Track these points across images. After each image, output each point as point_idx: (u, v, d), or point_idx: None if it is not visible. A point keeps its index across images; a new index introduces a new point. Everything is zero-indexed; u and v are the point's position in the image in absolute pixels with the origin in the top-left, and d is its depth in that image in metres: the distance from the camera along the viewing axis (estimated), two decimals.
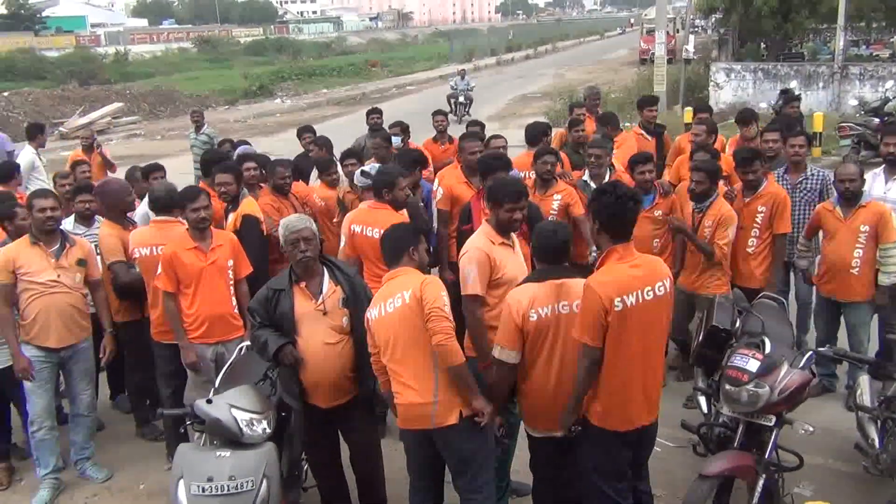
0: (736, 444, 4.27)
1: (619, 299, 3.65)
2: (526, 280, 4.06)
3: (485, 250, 4.34)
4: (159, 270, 5.00)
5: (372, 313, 3.98)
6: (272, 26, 74.01)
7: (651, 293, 3.74)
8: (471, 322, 4.33)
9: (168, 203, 5.37)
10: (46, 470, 5.21)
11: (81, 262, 5.20)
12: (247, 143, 8.68)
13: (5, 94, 26.17)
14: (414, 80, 36.36)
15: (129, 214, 5.95)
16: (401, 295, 3.87)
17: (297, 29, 75.15)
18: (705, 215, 5.64)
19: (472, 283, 4.31)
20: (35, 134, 9.63)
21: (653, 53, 21.88)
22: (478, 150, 6.23)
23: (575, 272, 4.07)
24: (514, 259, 4.46)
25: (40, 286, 5.02)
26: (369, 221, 5.32)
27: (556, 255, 4.00)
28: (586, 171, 6.55)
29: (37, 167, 9.21)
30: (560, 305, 3.87)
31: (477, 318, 4.30)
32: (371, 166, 5.99)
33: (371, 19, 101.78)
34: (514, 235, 4.55)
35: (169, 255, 4.98)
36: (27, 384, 5.08)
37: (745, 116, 7.65)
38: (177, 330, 5.07)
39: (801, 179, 6.31)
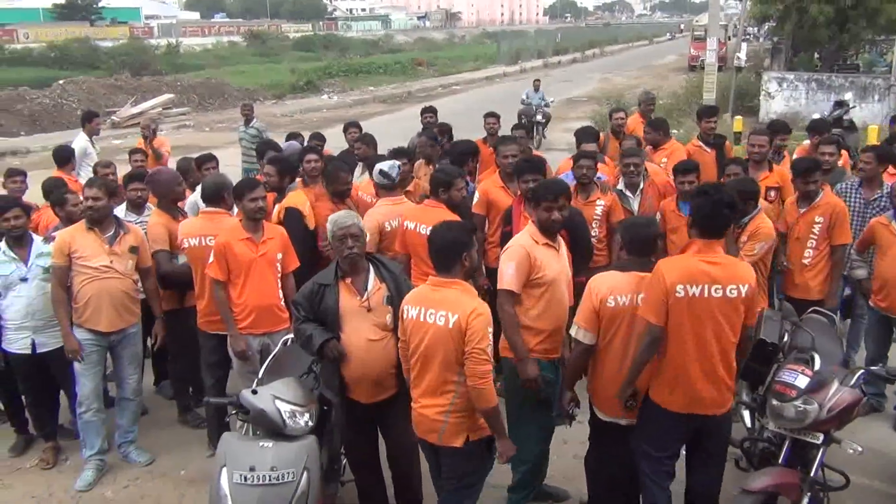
0: (780, 460, 4.21)
1: (681, 286, 3.81)
2: (611, 268, 4.15)
3: (526, 248, 4.35)
4: (211, 259, 5.06)
5: (410, 311, 3.92)
6: (321, 23, 74.69)
7: (720, 291, 3.83)
8: (503, 318, 4.32)
9: (217, 195, 5.45)
10: (92, 451, 5.32)
11: (133, 250, 5.30)
12: (321, 136, 8.56)
13: (60, 81, 26.79)
14: (460, 80, 36.35)
15: (179, 204, 6.05)
16: (445, 314, 3.76)
17: (346, 26, 75.77)
18: (743, 231, 5.54)
19: (507, 280, 4.32)
20: (85, 121, 9.85)
21: (702, 60, 21.58)
22: (511, 155, 6.17)
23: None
24: (557, 260, 4.44)
25: (93, 271, 5.13)
26: (423, 219, 5.32)
27: (645, 247, 4.11)
28: (621, 180, 6.48)
29: (89, 154, 9.40)
30: (639, 298, 3.98)
31: (510, 315, 4.30)
32: (389, 165, 5.94)
33: (419, 18, 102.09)
34: (560, 238, 4.54)
35: (222, 244, 5.04)
36: (77, 367, 5.20)
37: (819, 126, 7.48)
38: (227, 319, 5.12)
39: (876, 197, 6.17)
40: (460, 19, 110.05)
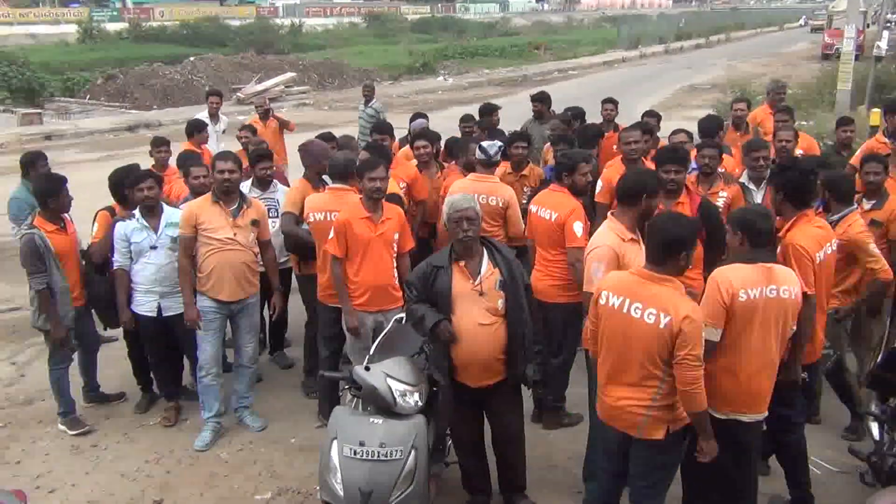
0: None
1: (818, 254, 4.31)
2: (734, 260, 4.01)
3: (614, 248, 4.28)
4: (331, 235, 5.16)
5: (611, 299, 3.73)
6: (439, 4, 74.85)
7: (830, 248, 4.45)
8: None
9: (344, 172, 5.54)
10: (210, 414, 5.57)
11: (255, 223, 5.49)
12: (423, 115, 8.60)
13: (191, 58, 28.04)
14: (577, 65, 35.72)
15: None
16: (656, 313, 3.59)
17: (464, 8, 75.58)
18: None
19: (597, 282, 4.15)
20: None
21: (837, 48, 20.39)
22: (634, 141, 6.11)
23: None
24: (640, 255, 4.24)
25: (218, 242, 5.33)
26: (545, 203, 5.30)
27: (767, 238, 4.00)
28: (745, 173, 6.19)
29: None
30: (768, 289, 3.86)
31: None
32: (489, 144, 5.99)
33: (537, 1, 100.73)
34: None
35: (342, 221, 5.12)
36: (199, 333, 5.44)
37: None
38: (342, 294, 5.22)
39: None
40: (580, 2, 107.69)
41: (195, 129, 8.44)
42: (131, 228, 5.51)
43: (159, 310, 5.58)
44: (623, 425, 3.82)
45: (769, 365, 3.95)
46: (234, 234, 5.37)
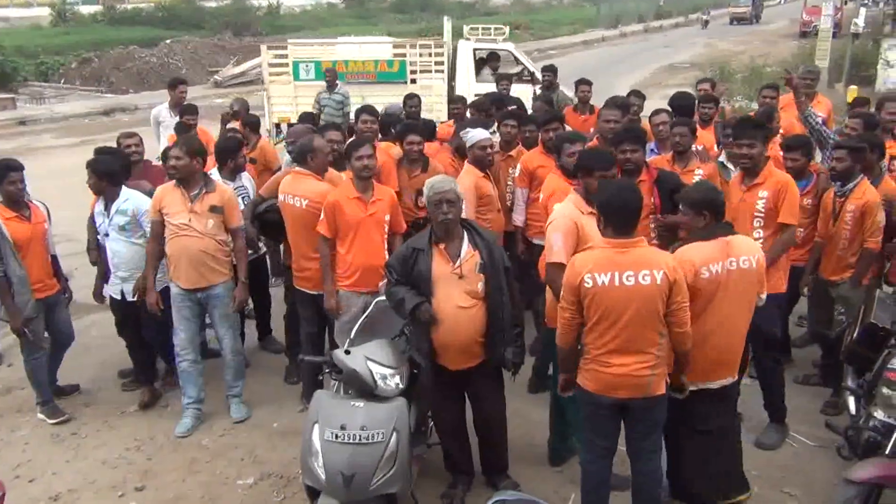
0: (888, 451, 3.99)
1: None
2: (694, 237, 4.05)
3: (573, 219, 4.33)
4: (321, 217, 5.10)
5: (599, 278, 3.71)
6: None
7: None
8: (556, 290, 4.17)
9: (301, 156, 5.44)
10: (189, 400, 5.54)
11: (216, 209, 5.30)
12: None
13: (167, 41, 27.67)
14: (557, 45, 35.62)
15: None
16: (650, 273, 3.68)
17: None
18: (847, 199, 5.27)
19: (557, 251, 4.29)
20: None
21: (815, 26, 20.45)
22: (613, 120, 6.00)
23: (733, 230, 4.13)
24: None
25: (175, 227, 5.24)
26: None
27: (721, 211, 4.08)
28: (723, 152, 6.20)
29: (162, 121, 9.08)
30: (728, 262, 3.94)
31: (560, 286, 4.02)
32: (466, 131, 5.94)
33: None
34: None
35: (332, 202, 5.07)
36: (174, 318, 5.40)
37: None
38: (326, 274, 5.16)
39: None
40: None
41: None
42: (97, 212, 5.57)
43: (123, 293, 5.61)
44: (628, 392, 3.85)
45: (736, 334, 4.08)
46: (189, 220, 5.23)
